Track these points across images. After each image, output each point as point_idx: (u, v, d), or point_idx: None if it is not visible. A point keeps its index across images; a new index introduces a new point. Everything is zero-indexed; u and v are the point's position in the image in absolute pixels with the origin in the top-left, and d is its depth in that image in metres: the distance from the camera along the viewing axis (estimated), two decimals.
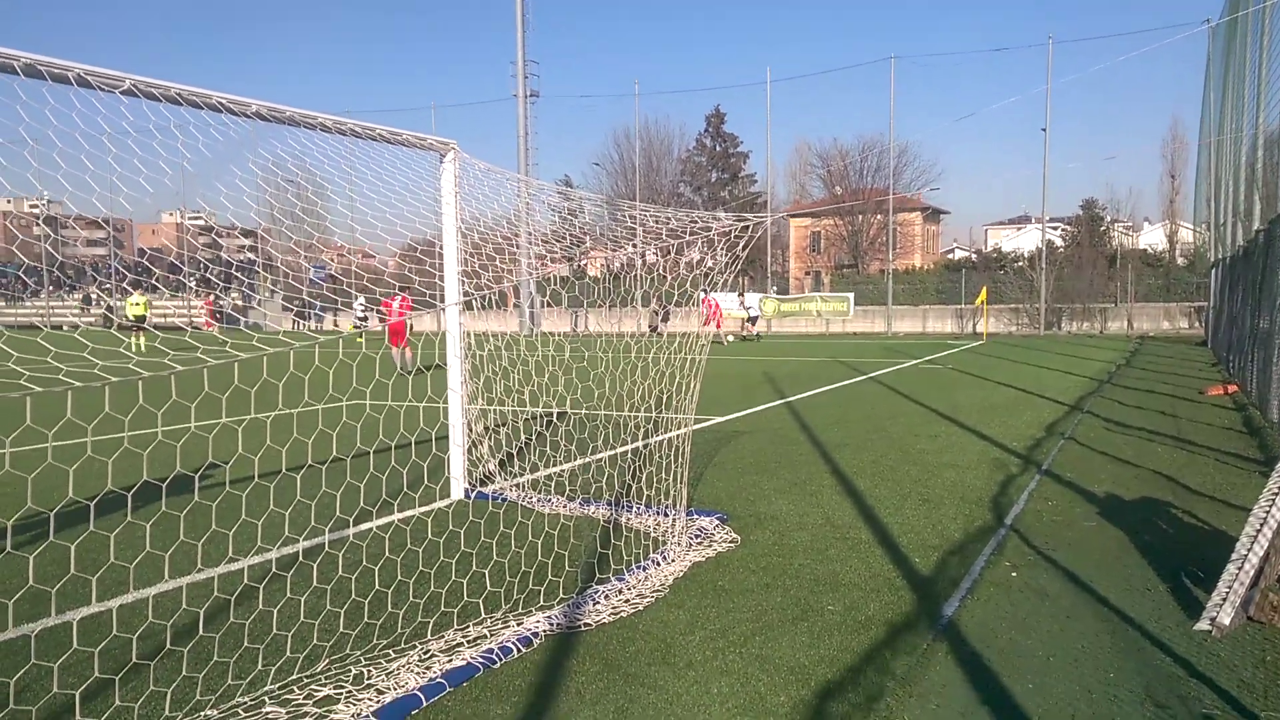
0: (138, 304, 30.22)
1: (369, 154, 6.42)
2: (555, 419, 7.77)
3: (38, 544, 5.41)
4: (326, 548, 5.20)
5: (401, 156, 6.64)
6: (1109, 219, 59.56)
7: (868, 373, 19.67)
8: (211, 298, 30.62)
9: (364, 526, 6.02)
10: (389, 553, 5.20)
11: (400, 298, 18.24)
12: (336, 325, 43.29)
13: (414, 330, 18.94)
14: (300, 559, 5.05)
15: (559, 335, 7.63)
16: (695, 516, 6.30)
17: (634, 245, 7.77)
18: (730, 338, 35.20)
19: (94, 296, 56.12)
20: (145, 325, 27.57)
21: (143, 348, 22.57)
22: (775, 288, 52.16)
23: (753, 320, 38.56)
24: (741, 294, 39.72)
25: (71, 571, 4.83)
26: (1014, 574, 5.19)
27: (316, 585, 4.77)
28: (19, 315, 51.52)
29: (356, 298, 29.87)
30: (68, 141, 4.40)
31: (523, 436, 8.12)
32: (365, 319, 29.72)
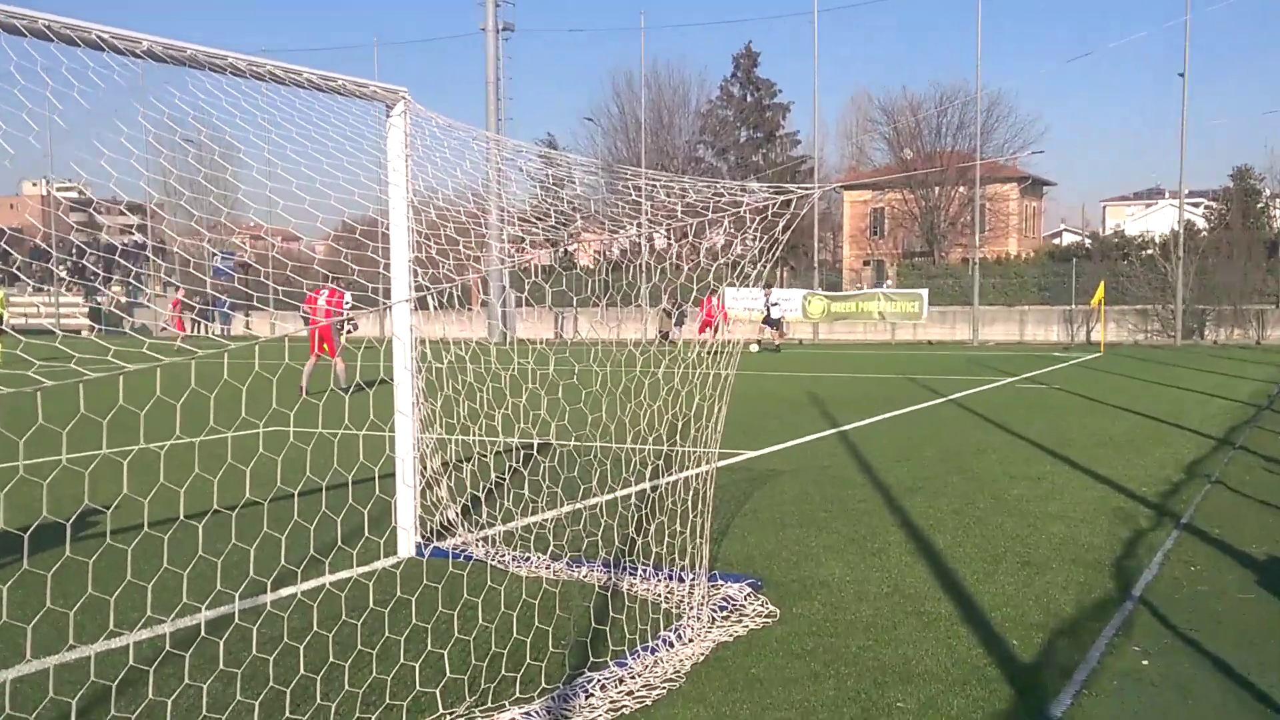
0: None
1: (294, 106, 6.46)
2: (535, 452, 7.81)
3: None
4: (237, 619, 5.22)
5: (336, 109, 6.70)
6: (1268, 193, 59.54)
7: (947, 393, 19.68)
8: (182, 292, 30.50)
9: (285, 592, 6.02)
10: (318, 626, 5.21)
11: (329, 291, 18.03)
12: (249, 329, 43.29)
13: (350, 335, 18.85)
14: (202, 634, 5.06)
15: (540, 343, 7.67)
16: (720, 582, 6.31)
17: (639, 225, 7.81)
18: (754, 347, 34.74)
19: None
20: (2, 328, 27.60)
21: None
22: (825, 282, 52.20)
23: (775, 324, 37.40)
24: (768, 288, 38.58)
25: None
26: (1145, 662, 5.20)
27: (224, 668, 4.78)
28: None
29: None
30: None
31: (493, 475, 8.15)
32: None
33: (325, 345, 17.95)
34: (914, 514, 8.60)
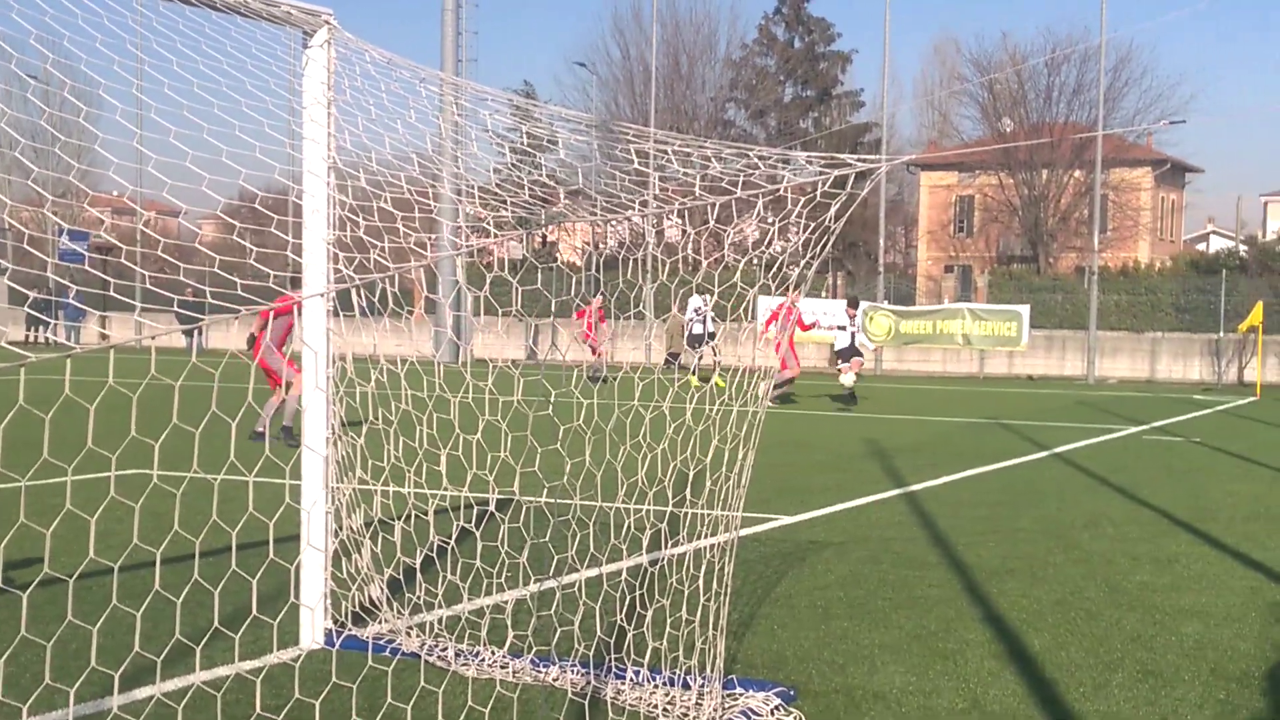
0: None
1: (177, 29, 6.44)
2: (493, 511, 7.73)
3: None
4: None
5: (236, 35, 6.68)
6: None
7: (1051, 445, 19.69)
8: (600, 299, 31.40)
9: (141, 693, 5.93)
10: None
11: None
12: (106, 332, 42.91)
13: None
14: None
15: (504, 364, 7.62)
16: (740, 690, 6.26)
17: (642, 206, 7.77)
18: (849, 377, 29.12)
19: None
20: None
21: None
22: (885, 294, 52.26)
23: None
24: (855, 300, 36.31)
25: None
26: None
27: None
28: None
29: (695, 296, 29.47)
30: None
31: (433, 539, 8.05)
32: (707, 336, 30.38)
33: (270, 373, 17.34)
34: (1002, 605, 8.56)
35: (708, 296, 32.69)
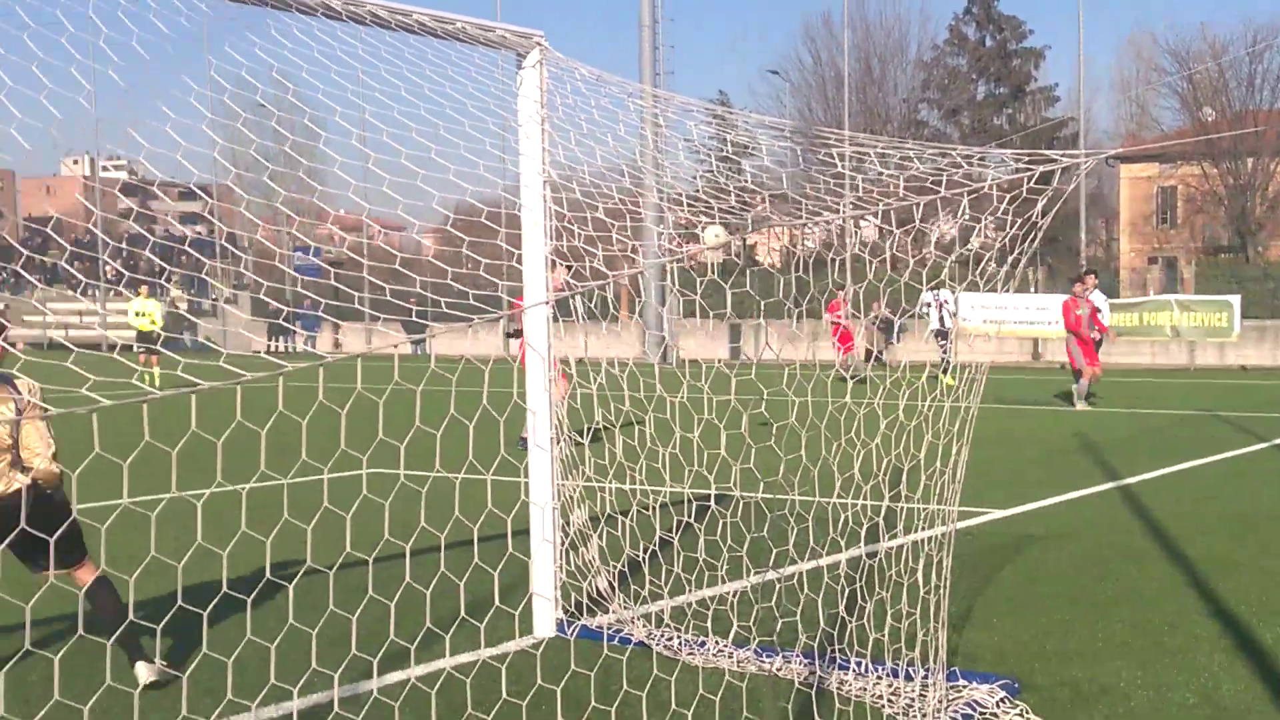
0: (144, 314, 30.63)
1: (401, 56, 6.71)
2: (712, 506, 7.86)
3: None
4: (337, 708, 5.39)
5: (455, 60, 6.93)
6: None
7: (1271, 437, 19.04)
8: (844, 294, 32.24)
9: (395, 676, 6.20)
10: None
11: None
12: (339, 341, 43.55)
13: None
14: None
15: (717, 363, 7.71)
16: (963, 682, 6.28)
17: (843, 208, 7.82)
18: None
19: None
20: (157, 347, 27.89)
21: (156, 379, 24.45)
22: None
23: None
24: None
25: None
26: None
27: None
28: None
29: (935, 293, 29.24)
30: None
31: (656, 534, 8.21)
32: (944, 333, 30.42)
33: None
34: (1230, 599, 8.38)
35: (946, 291, 31.94)
